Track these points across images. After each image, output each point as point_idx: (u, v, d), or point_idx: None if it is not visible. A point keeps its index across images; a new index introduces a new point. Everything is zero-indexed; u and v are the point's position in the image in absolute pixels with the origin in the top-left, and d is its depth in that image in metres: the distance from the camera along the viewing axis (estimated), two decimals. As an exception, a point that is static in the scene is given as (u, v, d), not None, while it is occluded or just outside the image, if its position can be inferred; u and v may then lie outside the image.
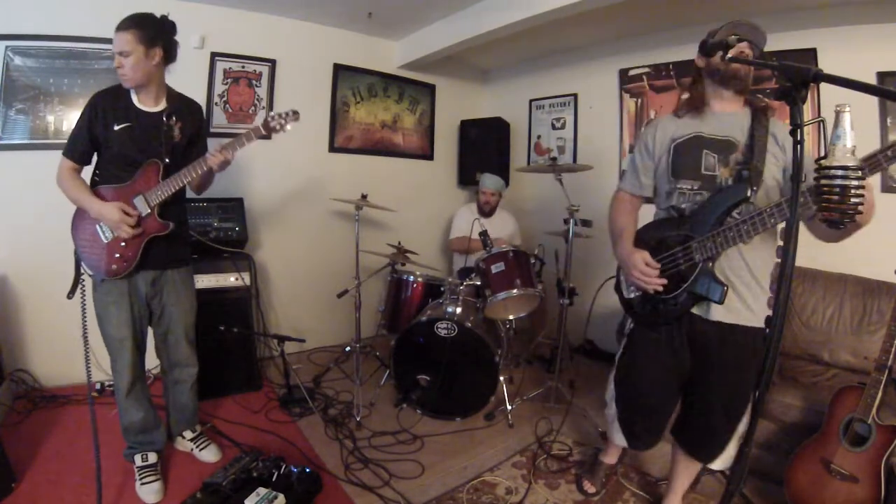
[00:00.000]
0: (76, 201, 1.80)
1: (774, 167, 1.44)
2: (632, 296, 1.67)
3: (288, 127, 1.82)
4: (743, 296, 1.48)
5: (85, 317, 1.78)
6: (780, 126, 1.47)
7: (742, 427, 1.58)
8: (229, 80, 3.17)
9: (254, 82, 3.26)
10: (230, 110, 3.19)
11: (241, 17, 3.15)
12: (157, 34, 1.73)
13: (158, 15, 1.76)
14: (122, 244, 1.79)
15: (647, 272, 1.52)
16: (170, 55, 1.80)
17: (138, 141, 1.78)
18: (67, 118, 2.69)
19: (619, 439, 1.87)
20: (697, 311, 1.53)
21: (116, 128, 1.75)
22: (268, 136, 1.84)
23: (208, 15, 3.02)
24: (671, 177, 1.57)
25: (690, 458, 1.70)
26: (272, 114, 1.82)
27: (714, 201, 1.46)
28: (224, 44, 3.11)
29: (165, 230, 1.85)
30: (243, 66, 3.21)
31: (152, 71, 1.77)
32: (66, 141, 1.82)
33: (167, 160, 1.81)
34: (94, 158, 1.85)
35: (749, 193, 1.39)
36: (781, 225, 1.34)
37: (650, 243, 1.59)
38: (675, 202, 1.56)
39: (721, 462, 1.64)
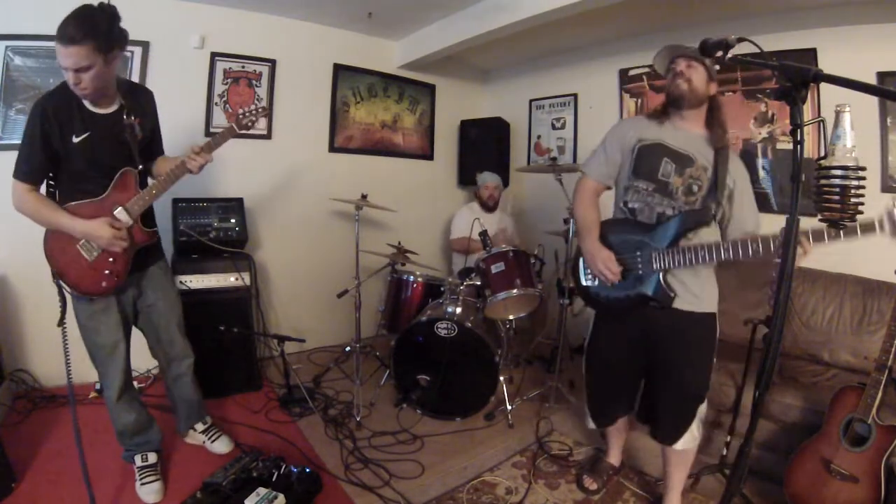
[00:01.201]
0: (53, 225, 1.64)
1: (725, 198, 1.63)
2: (588, 283, 1.83)
3: (259, 122, 1.83)
4: (693, 287, 1.65)
5: (65, 326, 1.68)
6: (735, 162, 1.66)
7: (703, 410, 1.75)
8: (229, 80, 3.17)
9: (254, 82, 3.26)
10: (230, 110, 3.19)
11: (241, 17, 3.15)
12: (112, 36, 1.52)
13: (96, 3, 1.51)
14: (111, 259, 1.70)
15: (611, 269, 1.69)
16: (123, 48, 1.61)
17: (102, 151, 1.65)
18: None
19: (589, 422, 2.03)
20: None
21: (76, 140, 1.59)
22: (247, 129, 1.83)
23: (208, 15, 3.02)
24: (631, 174, 1.73)
25: (655, 440, 1.84)
26: (242, 110, 1.81)
27: (678, 220, 1.61)
28: (224, 44, 3.11)
29: (152, 240, 1.82)
30: (243, 66, 3.21)
31: (112, 75, 1.62)
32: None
33: (140, 166, 1.73)
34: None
35: (710, 221, 1.60)
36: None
37: (614, 240, 1.75)
38: (629, 198, 1.73)
39: (683, 443, 1.75)
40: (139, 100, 1.79)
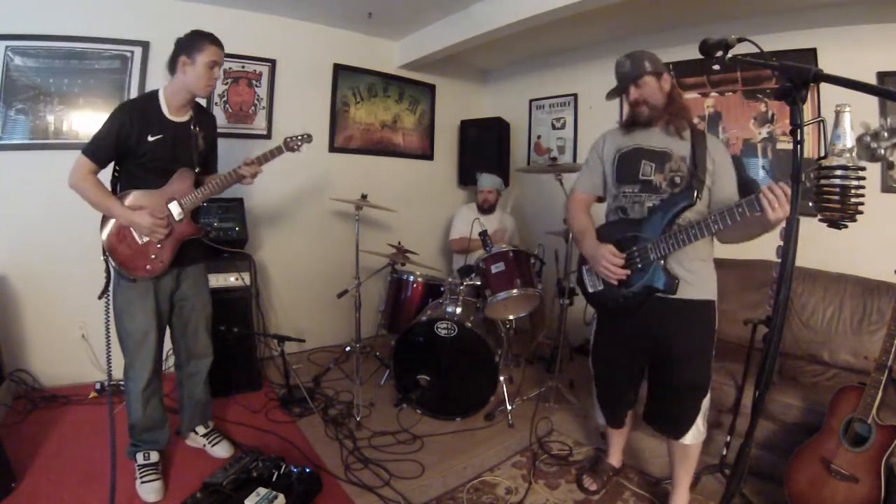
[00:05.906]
0: (103, 207, 1.80)
1: (709, 178, 1.67)
2: (595, 290, 1.84)
3: (303, 148, 2.14)
4: (689, 275, 1.67)
5: (108, 315, 1.83)
6: (713, 142, 1.71)
7: (706, 404, 1.75)
8: (229, 80, 3.17)
9: (254, 82, 3.26)
10: (230, 110, 3.19)
11: (241, 17, 3.15)
12: None
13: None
14: (159, 245, 1.85)
15: (614, 263, 1.70)
16: None
17: (171, 151, 1.86)
18: (67, 118, 2.69)
19: (600, 417, 2.07)
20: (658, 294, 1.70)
21: (151, 139, 1.81)
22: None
23: (208, 15, 3.01)
24: (615, 182, 1.80)
25: (663, 435, 1.86)
26: (291, 137, 2.11)
27: (664, 206, 1.65)
28: (224, 44, 3.09)
29: (200, 233, 2.00)
30: (243, 66, 3.21)
31: None
32: (79, 140, 1.82)
33: (197, 169, 1.95)
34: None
35: (695, 200, 1.60)
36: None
37: (611, 241, 1.76)
38: (620, 203, 1.79)
39: (691, 437, 1.76)
40: (205, 118, 2.05)
